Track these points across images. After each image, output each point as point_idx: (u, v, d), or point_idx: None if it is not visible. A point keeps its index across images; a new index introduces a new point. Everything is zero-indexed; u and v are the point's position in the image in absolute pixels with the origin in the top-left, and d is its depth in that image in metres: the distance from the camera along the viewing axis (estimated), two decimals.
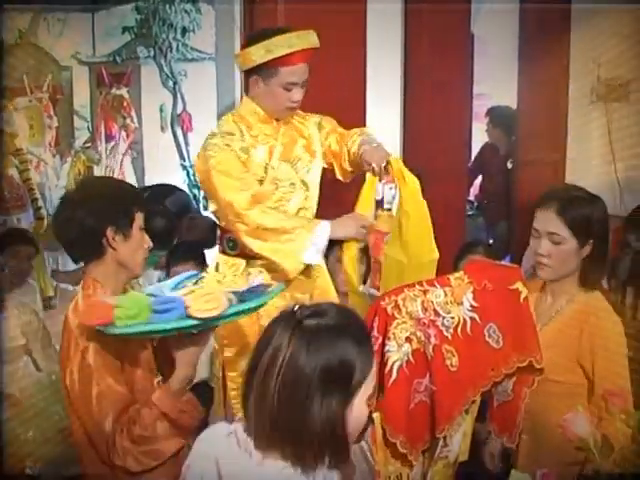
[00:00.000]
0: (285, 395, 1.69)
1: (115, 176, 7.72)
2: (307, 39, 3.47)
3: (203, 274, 2.56)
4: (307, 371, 1.68)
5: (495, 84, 8.71)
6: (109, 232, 2.51)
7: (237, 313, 2.23)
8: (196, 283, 2.39)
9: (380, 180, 3.48)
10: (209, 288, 2.27)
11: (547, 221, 2.70)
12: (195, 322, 2.13)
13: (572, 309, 2.78)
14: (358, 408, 1.75)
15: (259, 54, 3.41)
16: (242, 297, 2.23)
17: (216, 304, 2.13)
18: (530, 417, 2.80)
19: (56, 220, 2.61)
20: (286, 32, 3.45)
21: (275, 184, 3.54)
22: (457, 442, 2.49)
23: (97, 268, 2.57)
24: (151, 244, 2.67)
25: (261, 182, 3.50)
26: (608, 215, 2.82)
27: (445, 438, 2.41)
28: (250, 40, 3.52)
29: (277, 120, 3.62)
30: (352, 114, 5.14)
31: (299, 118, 3.74)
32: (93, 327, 2.20)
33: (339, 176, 3.77)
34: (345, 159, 3.69)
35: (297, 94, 3.52)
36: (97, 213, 2.50)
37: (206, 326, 2.21)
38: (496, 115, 7.21)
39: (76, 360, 2.41)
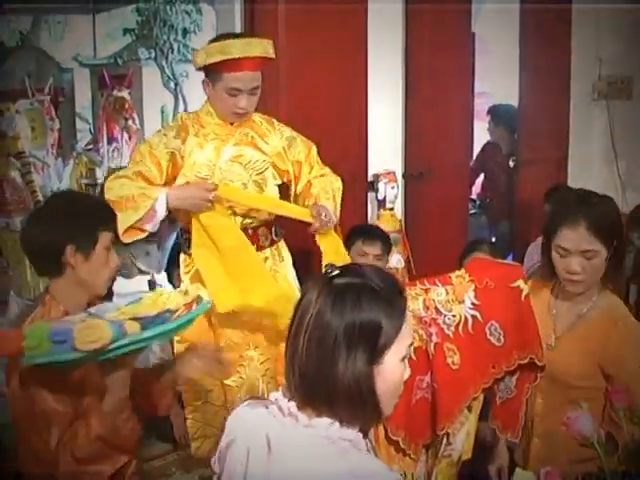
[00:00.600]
0: (312, 351, 1.70)
1: None
2: (253, 47, 3.49)
3: (150, 292, 2.44)
4: (332, 328, 1.68)
5: (496, 83, 8.72)
6: (68, 251, 2.46)
7: (136, 342, 2.15)
8: (149, 297, 2.34)
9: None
10: (93, 320, 2.17)
11: (579, 240, 2.62)
12: (79, 355, 2.07)
13: (596, 315, 2.74)
14: (390, 368, 1.74)
15: (201, 57, 3.49)
16: (145, 325, 2.16)
17: (98, 336, 2.07)
18: (543, 421, 2.80)
19: (22, 232, 2.58)
20: (239, 37, 3.57)
21: (226, 184, 3.55)
22: (460, 441, 2.49)
23: (56, 285, 2.53)
24: (118, 264, 2.61)
25: (206, 180, 3.54)
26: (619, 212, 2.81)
27: (449, 436, 2.41)
28: (208, 43, 3.58)
29: (231, 123, 3.63)
30: (354, 114, 5.15)
31: (267, 125, 3.75)
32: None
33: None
34: (294, 192, 3.81)
35: (242, 101, 3.51)
36: (58, 230, 2.45)
37: (96, 358, 2.14)
38: (498, 113, 7.20)
39: (16, 378, 2.36)
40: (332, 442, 1.72)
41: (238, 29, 4.87)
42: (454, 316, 2.33)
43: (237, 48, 3.42)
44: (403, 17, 5.48)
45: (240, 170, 3.60)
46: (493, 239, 7.15)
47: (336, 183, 3.81)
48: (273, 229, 3.74)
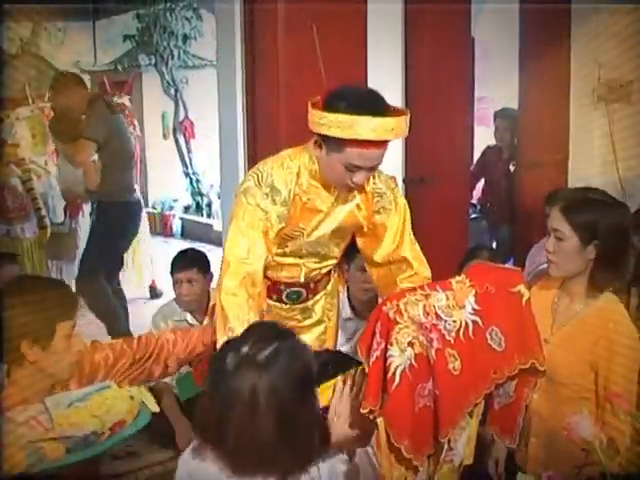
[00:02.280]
0: (277, 424, 1.81)
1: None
2: (390, 131, 2.85)
3: (108, 384, 2.42)
4: (287, 396, 1.81)
5: (497, 86, 8.72)
6: (24, 344, 2.43)
7: (57, 466, 2.13)
8: (100, 394, 2.33)
9: None
10: (15, 441, 2.12)
11: (552, 218, 2.72)
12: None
13: (588, 314, 2.77)
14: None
15: (324, 127, 2.87)
16: (70, 448, 2.15)
17: (12, 462, 2.04)
18: (539, 420, 2.81)
19: None
20: (373, 111, 2.82)
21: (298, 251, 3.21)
22: (462, 446, 2.49)
23: (17, 372, 2.49)
24: (82, 346, 2.57)
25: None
26: (625, 221, 2.78)
27: (450, 442, 2.41)
28: (328, 99, 2.94)
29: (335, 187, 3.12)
30: None
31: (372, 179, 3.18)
32: None
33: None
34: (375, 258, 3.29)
35: (360, 177, 2.95)
36: (13, 324, 2.40)
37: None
38: (505, 117, 7.18)
39: None
40: None
41: (238, 35, 4.88)
42: (455, 322, 2.33)
43: (377, 131, 2.81)
44: (403, 19, 5.48)
45: (324, 240, 3.24)
46: (494, 244, 7.15)
47: None
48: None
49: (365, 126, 2.78)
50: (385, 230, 3.22)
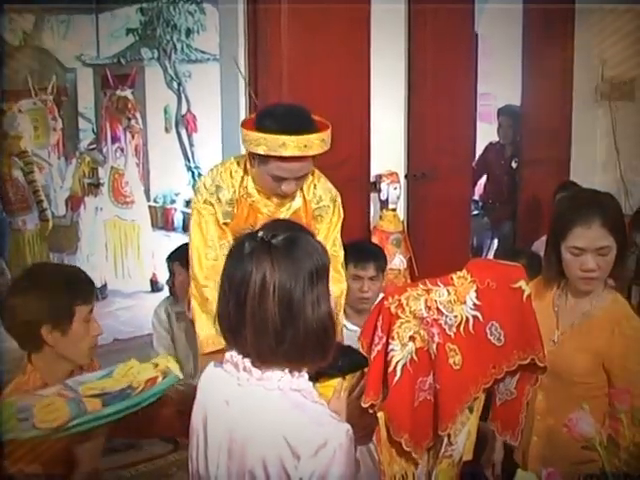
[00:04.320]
0: (284, 312, 1.83)
1: (122, 176, 7.71)
2: (309, 148, 3.17)
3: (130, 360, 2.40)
4: (296, 283, 1.83)
5: (499, 83, 8.72)
6: (44, 330, 2.44)
7: (97, 419, 2.15)
8: (124, 366, 2.32)
9: None
10: (51, 397, 2.16)
11: (594, 238, 2.62)
12: (40, 433, 2.07)
13: (601, 313, 2.75)
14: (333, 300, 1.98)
15: (247, 143, 3.23)
16: (106, 401, 2.17)
17: (56, 415, 2.07)
18: (543, 419, 2.81)
19: (1, 305, 2.54)
20: (291, 131, 3.13)
21: None
22: (462, 441, 2.49)
23: (37, 357, 2.51)
24: (101, 331, 2.59)
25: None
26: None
27: (450, 437, 2.41)
28: (256, 118, 3.31)
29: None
30: (356, 114, 5.16)
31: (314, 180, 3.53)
32: None
33: None
34: None
35: (288, 187, 3.28)
36: (32, 310, 2.43)
37: (58, 435, 2.12)
38: (508, 114, 7.17)
39: None
40: (284, 393, 1.88)
41: (241, 29, 4.88)
42: (455, 317, 2.32)
43: (289, 147, 3.12)
44: (406, 17, 5.48)
45: None
46: (495, 240, 7.15)
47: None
48: None
49: (278, 143, 3.11)
50: (317, 234, 3.38)
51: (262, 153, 3.16)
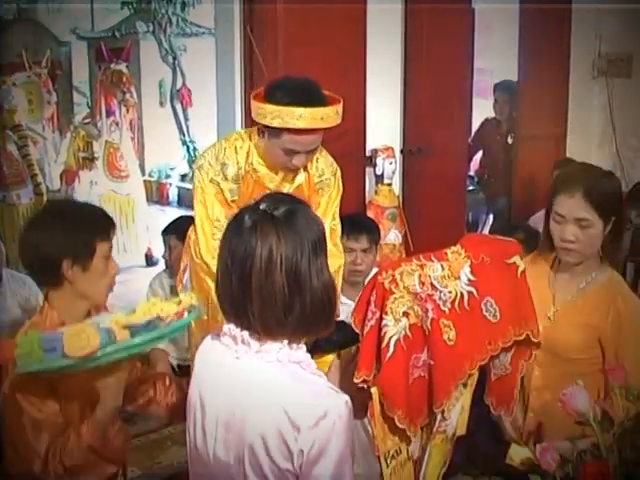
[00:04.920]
0: (292, 283, 1.84)
1: (117, 150, 7.70)
2: (323, 120, 3.22)
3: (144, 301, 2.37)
4: (303, 255, 1.85)
5: (496, 59, 8.67)
6: (65, 264, 2.43)
7: (125, 348, 2.14)
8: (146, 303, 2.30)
9: None
10: (81, 325, 2.16)
11: (574, 207, 2.64)
12: (70, 362, 2.07)
13: (596, 289, 2.76)
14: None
15: (261, 117, 3.25)
16: (135, 332, 2.16)
17: (87, 342, 2.06)
18: (539, 395, 2.82)
19: (19, 243, 2.55)
20: (305, 102, 3.18)
21: None
22: (455, 416, 2.49)
23: (55, 295, 2.52)
24: (119, 270, 2.60)
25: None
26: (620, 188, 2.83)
27: (443, 412, 2.41)
28: (267, 91, 3.31)
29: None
30: (352, 89, 5.13)
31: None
32: None
33: None
34: None
35: (299, 160, 3.33)
36: (53, 244, 2.42)
37: (86, 365, 2.13)
38: (504, 90, 7.14)
39: (7, 385, 2.36)
40: (283, 365, 1.89)
41: (237, 3, 4.84)
42: (450, 292, 2.32)
43: (305, 119, 3.16)
44: None
45: None
46: (491, 216, 7.15)
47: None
48: None
49: (294, 116, 3.14)
50: (317, 208, 3.49)
51: (277, 126, 3.19)
